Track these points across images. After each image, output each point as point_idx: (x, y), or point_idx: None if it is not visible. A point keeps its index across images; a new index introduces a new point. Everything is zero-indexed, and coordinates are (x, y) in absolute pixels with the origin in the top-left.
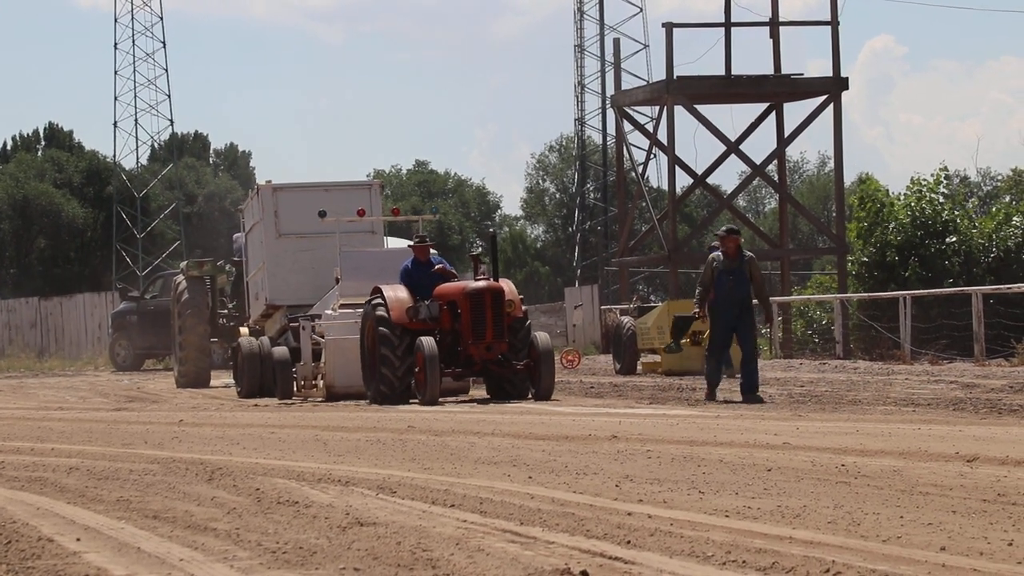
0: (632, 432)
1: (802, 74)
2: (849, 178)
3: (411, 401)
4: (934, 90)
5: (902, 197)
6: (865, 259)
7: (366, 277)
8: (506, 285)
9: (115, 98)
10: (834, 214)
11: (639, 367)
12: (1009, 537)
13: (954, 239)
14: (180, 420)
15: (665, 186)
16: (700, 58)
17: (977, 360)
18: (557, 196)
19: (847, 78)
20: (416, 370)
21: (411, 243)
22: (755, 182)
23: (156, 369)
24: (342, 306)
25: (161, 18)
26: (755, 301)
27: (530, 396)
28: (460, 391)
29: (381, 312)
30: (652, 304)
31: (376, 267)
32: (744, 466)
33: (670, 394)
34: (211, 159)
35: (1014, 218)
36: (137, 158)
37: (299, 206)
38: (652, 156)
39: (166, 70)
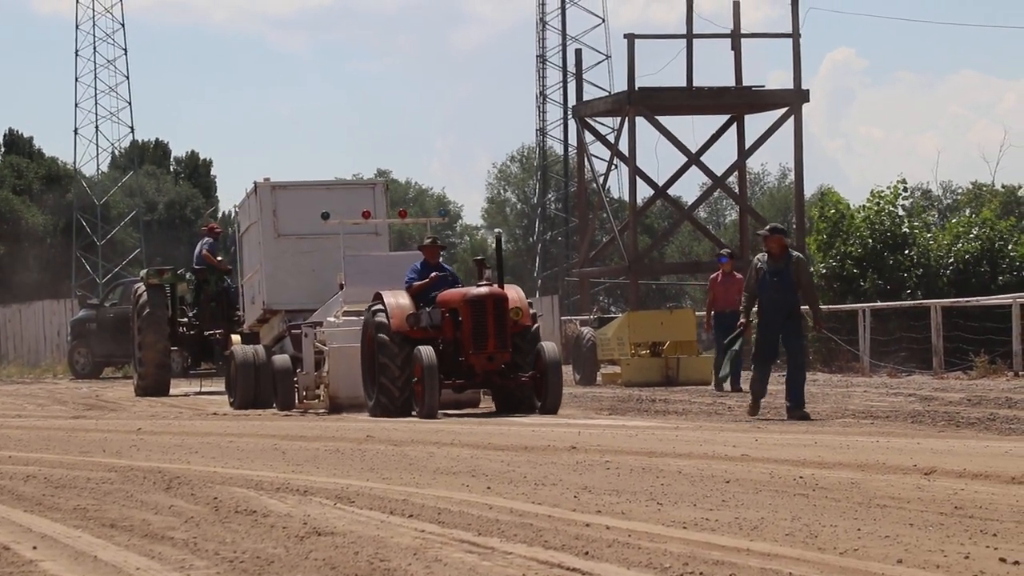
0: (591, 443)
1: (763, 86)
2: (809, 190)
3: (412, 413)
4: (894, 103)
5: (862, 210)
6: (824, 271)
7: (371, 283)
8: (513, 292)
9: (76, 105)
10: (794, 226)
11: (599, 378)
12: (966, 550)
13: (913, 252)
14: (138, 428)
15: (626, 197)
16: (662, 69)
17: (935, 373)
18: (518, 206)
19: (808, 90)
20: (415, 380)
21: (421, 244)
22: (716, 193)
23: (115, 377)
24: (346, 313)
25: (122, 25)
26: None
27: (536, 410)
28: (470, 404)
29: (381, 319)
30: (612, 315)
31: (382, 272)
32: (703, 478)
33: (629, 405)
34: (172, 167)
35: (972, 230)
36: (97, 165)
37: (299, 205)
38: (613, 167)
39: (127, 77)
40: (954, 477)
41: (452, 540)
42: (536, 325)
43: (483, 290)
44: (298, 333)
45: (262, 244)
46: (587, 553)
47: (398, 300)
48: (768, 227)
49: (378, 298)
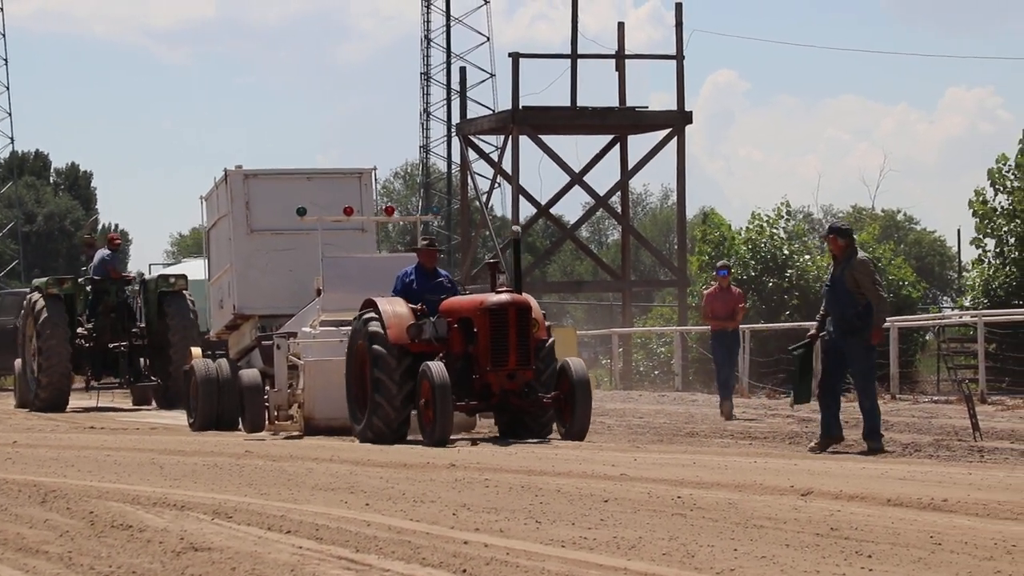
0: (470, 461)
1: (646, 107)
2: (691, 211)
3: (408, 439)
4: (775, 126)
5: (743, 231)
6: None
7: (353, 288)
8: (528, 300)
9: None
10: (676, 247)
11: None
12: (841, 571)
13: (792, 274)
14: (14, 441)
15: (509, 215)
16: (546, 89)
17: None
18: (401, 223)
19: (691, 112)
20: (423, 402)
21: (417, 246)
22: (598, 213)
23: None
24: (323, 323)
25: (3, 35)
26: None
27: (558, 435)
28: (466, 427)
29: (376, 330)
30: None
31: (365, 277)
32: (581, 496)
33: None
34: (52, 178)
35: None
36: None
37: (275, 197)
38: (497, 185)
39: (7, 87)
40: (830, 498)
41: (330, 556)
42: (552, 339)
43: (504, 297)
44: (269, 345)
45: (232, 240)
46: (465, 571)
47: (395, 308)
48: (829, 226)
49: (370, 305)
